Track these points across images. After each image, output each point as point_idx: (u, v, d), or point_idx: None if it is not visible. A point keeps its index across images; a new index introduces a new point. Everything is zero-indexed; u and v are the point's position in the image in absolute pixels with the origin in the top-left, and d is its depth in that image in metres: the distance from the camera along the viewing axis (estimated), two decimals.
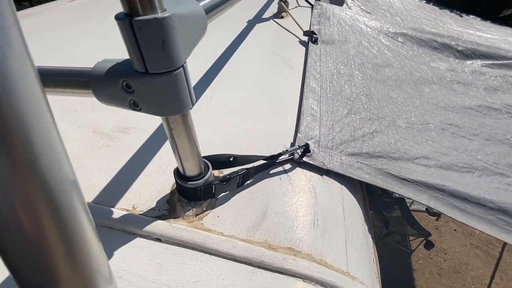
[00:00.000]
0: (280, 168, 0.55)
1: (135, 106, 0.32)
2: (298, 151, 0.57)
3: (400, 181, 0.63)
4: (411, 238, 3.52)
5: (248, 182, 0.50)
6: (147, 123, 0.63)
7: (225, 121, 0.66)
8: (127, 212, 0.43)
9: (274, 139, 0.62)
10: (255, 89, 0.79)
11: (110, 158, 0.53)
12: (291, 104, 0.75)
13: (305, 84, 0.80)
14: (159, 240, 0.40)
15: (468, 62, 1.62)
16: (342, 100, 0.83)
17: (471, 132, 0.96)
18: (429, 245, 3.54)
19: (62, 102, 0.68)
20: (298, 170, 0.55)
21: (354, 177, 0.57)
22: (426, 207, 3.99)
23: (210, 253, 0.40)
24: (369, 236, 0.57)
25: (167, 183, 0.49)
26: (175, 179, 0.43)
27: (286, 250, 0.41)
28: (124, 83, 0.31)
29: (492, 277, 3.26)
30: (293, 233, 0.44)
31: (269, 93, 0.78)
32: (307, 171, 0.55)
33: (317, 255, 0.42)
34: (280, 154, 0.52)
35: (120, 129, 0.61)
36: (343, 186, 0.56)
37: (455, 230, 3.83)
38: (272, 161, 0.52)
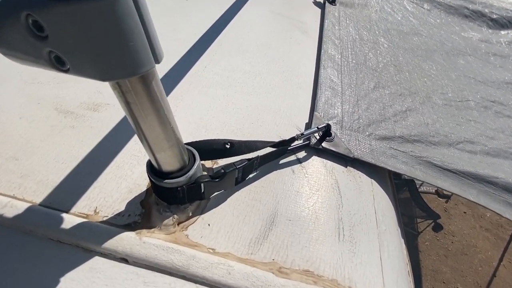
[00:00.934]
0: (292, 157, 0.42)
1: (59, 64, 0.19)
2: (316, 134, 0.43)
3: (443, 172, 0.49)
4: (419, 220, 3.45)
5: (250, 177, 0.38)
6: None
7: (222, 96, 0.52)
8: (84, 220, 0.31)
9: (285, 119, 0.49)
10: (260, 57, 0.65)
11: (72, 144, 0.41)
12: (306, 75, 0.61)
13: (322, 51, 0.65)
14: (124, 260, 0.29)
15: (503, 32, 1.42)
16: (367, 71, 0.68)
17: None
18: (437, 228, 3.47)
19: (22, 72, 0.55)
20: (315, 159, 0.42)
21: (389, 168, 0.44)
22: (436, 188, 3.89)
23: (196, 281, 0.28)
24: (403, 242, 0.45)
25: (143, 178, 0.37)
26: (148, 176, 0.31)
27: (302, 276, 0.29)
28: (30, 20, 0.18)
29: (501, 259, 3.21)
30: (312, 248, 0.32)
31: (277, 62, 0.64)
32: (328, 161, 0.43)
33: (344, 280, 0.30)
34: (293, 139, 0.39)
35: (90, 106, 0.48)
36: (373, 180, 0.44)
37: (464, 212, 3.74)
38: (282, 148, 0.39)
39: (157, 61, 0.21)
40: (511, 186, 0.53)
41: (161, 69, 0.58)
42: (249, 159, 0.35)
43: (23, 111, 0.46)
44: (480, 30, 1.36)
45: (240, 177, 0.35)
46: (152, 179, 0.30)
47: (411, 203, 3.37)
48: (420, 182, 4.00)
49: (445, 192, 3.81)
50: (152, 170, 0.30)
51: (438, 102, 0.70)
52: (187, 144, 0.35)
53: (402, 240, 0.45)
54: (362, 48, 0.77)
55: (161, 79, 0.54)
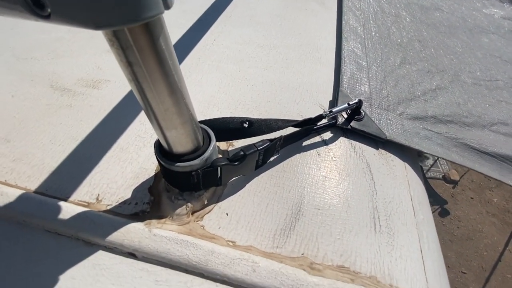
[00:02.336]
0: (317, 138, 0.37)
1: (37, 8, 0.14)
2: (343, 113, 0.38)
3: (481, 156, 0.44)
4: None
5: (271, 160, 0.33)
6: None
7: (235, 72, 0.47)
8: (85, 209, 0.27)
9: (306, 97, 0.44)
10: (274, 29, 0.58)
11: (70, 124, 0.37)
12: (326, 49, 0.55)
13: (343, 22, 0.59)
14: (132, 255, 0.25)
15: None
16: (391, 46, 0.61)
17: None
18: (444, 213, 3.46)
19: (16, 48, 0.50)
20: (343, 141, 0.38)
21: (425, 150, 0.39)
22: (443, 174, 3.84)
23: (215, 280, 0.24)
24: (436, 234, 0.41)
25: (150, 161, 0.33)
26: (157, 159, 0.26)
27: (337, 272, 0.25)
28: None
29: (506, 244, 3.20)
30: (345, 241, 0.28)
31: (293, 35, 0.57)
32: (357, 142, 0.38)
33: (384, 277, 0.26)
34: (319, 118, 0.34)
35: (89, 83, 0.43)
36: (406, 164, 0.39)
37: (471, 198, 3.70)
38: (307, 128, 0.34)
39: (167, 6, 0.16)
40: None
41: None
42: (271, 140, 0.30)
43: (15, 89, 0.42)
44: (502, 6, 1.27)
45: (261, 160, 0.30)
46: (162, 162, 0.25)
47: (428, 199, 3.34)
48: (427, 168, 3.95)
49: (452, 178, 3.76)
50: (162, 151, 0.26)
51: (467, 81, 0.64)
52: (201, 122, 0.30)
53: (435, 231, 0.41)
54: (384, 21, 0.70)
55: None
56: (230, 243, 0.26)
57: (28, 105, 0.39)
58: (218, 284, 0.24)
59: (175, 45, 0.52)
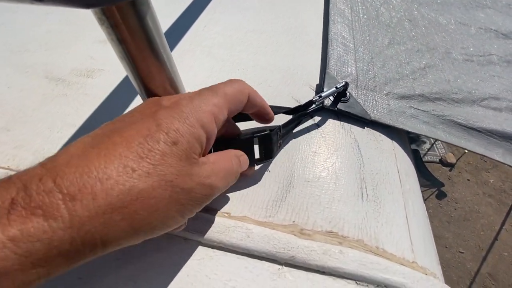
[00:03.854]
0: (307, 118, 0.39)
1: None
2: (331, 97, 0.40)
3: (467, 131, 0.46)
4: (423, 188, 3.48)
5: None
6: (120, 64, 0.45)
7: (226, 56, 0.48)
8: None
9: (296, 78, 0.45)
10: (265, 14, 0.59)
11: (67, 112, 0.38)
12: (314, 32, 0.55)
13: (330, 5, 0.59)
14: None
15: None
16: (380, 27, 0.62)
17: None
18: (441, 196, 3.52)
19: (8, 42, 0.51)
20: (331, 121, 0.39)
21: (408, 129, 0.41)
22: (440, 158, 3.88)
23: (212, 246, 0.26)
24: (423, 204, 0.43)
25: None
26: None
27: (326, 236, 0.27)
28: None
29: (503, 223, 3.27)
30: (334, 209, 0.30)
31: (283, 19, 0.58)
32: (345, 123, 0.39)
33: (371, 240, 0.28)
34: (309, 103, 0.35)
35: (82, 72, 0.44)
36: (393, 141, 0.41)
37: (468, 180, 3.76)
38: (299, 114, 0.35)
39: None
40: None
41: None
42: (270, 129, 0.30)
43: (11, 81, 0.42)
44: None
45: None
46: None
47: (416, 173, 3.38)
48: (424, 152, 3.99)
49: (449, 161, 3.81)
50: None
51: (459, 58, 0.65)
52: None
53: (423, 203, 0.43)
54: (373, 2, 0.70)
55: None
56: (226, 214, 0.28)
57: (24, 96, 0.40)
58: (215, 250, 0.26)
59: (166, 32, 0.53)
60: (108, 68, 0.45)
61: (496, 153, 0.46)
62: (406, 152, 0.43)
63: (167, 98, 0.21)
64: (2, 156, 0.32)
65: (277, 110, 0.34)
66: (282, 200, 0.30)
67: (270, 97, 0.42)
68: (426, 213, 0.42)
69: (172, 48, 0.49)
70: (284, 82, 0.44)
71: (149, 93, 0.23)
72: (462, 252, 3.16)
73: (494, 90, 0.57)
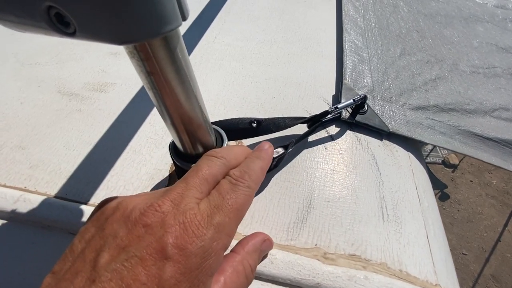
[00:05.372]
0: (323, 133, 0.38)
1: (62, 25, 0.15)
2: (349, 109, 0.39)
3: (483, 141, 0.46)
4: None
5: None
6: (132, 77, 0.45)
7: (238, 69, 0.48)
8: None
9: (310, 91, 0.44)
10: (274, 24, 0.59)
11: (82, 128, 0.37)
12: (326, 41, 0.55)
13: (343, 13, 0.59)
14: None
15: None
16: (391, 37, 0.61)
17: None
18: (444, 197, 3.51)
19: (19, 53, 0.50)
20: (348, 134, 0.39)
21: (426, 140, 0.40)
22: (442, 159, 3.87)
23: None
24: (441, 220, 0.43)
25: (163, 162, 0.34)
26: (173, 160, 0.27)
27: (349, 260, 0.27)
28: None
29: (506, 225, 3.26)
30: (356, 231, 0.29)
31: (294, 28, 0.58)
32: (362, 135, 0.39)
33: (394, 263, 0.28)
34: (325, 113, 0.35)
35: (95, 87, 0.44)
36: (410, 154, 0.40)
37: (471, 181, 3.75)
38: (315, 125, 0.35)
39: (184, 17, 0.17)
40: None
41: None
42: (284, 146, 0.31)
43: (24, 96, 0.42)
44: None
45: (273, 164, 0.31)
46: (178, 164, 0.26)
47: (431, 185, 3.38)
48: (427, 153, 3.97)
49: (451, 162, 3.79)
50: (176, 153, 0.27)
51: (466, 70, 0.65)
52: (213, 123, 0.31)
53: (440, 217, 0.43)
54: (383, 11, 0.70)
55: None
56: None
57: (38, 112, 0.40)
58: None
59: None
60: (121, 82, 0.44)
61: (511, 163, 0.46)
62: (422, 165, 0.42)
63: (171, 235, 0.17)
64: (18, 176, 0.32)
65: (293, 121, 0.34)
66: (303, 221, 0.29)
67: (285, 111, 0.41)
68: (443, 230, 0.41)
69: None
70: (298, 96, 0.43)
71: (173, 122, 0.23)
72: (466, 254, 3.15)
73: (503, 101, 0.57)
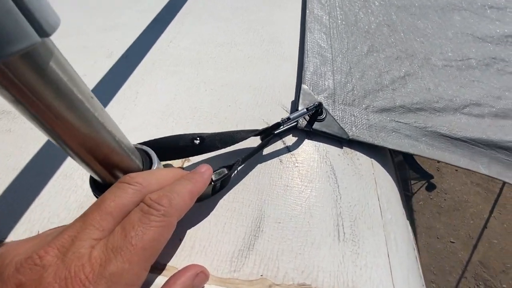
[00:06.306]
0: (279, 144, 0.35)
1: None
2: (306, 116, 0.36)
3: (451, 142, 0.44)
4: (413, 181, 3.52)
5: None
6: None
7: (192, 76, 0.44)
8: None
9: (268, 97, 0.41)
10: (236, 25, 0.55)
11: (10, 152, 0.33)
12: (290, 42, 0.52)
13: (307, 12, 0.56)
14: None
15: None
16: (359, 33, 0.59)
17: None
18: (430, 187, 3.56)
19: None
20: (306, 144, 0.36)
21: (390, 147, 0.38)
22: None
23: None
24: (408, 224, 0.41)
25: None
26: (95, 195, 0.24)
27: None
28: None
29: (491, 211, 3.34)
30: (307, 255, 0.27)
31: (256, 29, 0.54)
32: (321, 143, 0.36)
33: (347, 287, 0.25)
34: (277, 125, 0.32)
35: None
36: (373, 160, 0.38)
37: (456, 170, 3.82)
38: (267, 139, 0.32)
39: (45, 33, 0.13)
40: None
41: (117, 49, 0.48)
42: (228, 167, 0.28)
43: None
44: None
45: (219, 184, 0.28)
46: (97, 196, 0.23)
47: (405, 167, 3.42)
48: None
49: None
50: (96, 184, 0.23)
51: (438, 64, 0.63)
52: (143, 143, 0.27)
53: (408, 223, 0.41)
54: (351, 7, 0.68)
55: (118, 61, 0.45)
56: None
57: None
58: None
59: (128, 51, 0.48)
60: None
61: (482, 163, 0.44)
62: (387, 171, 0.40)
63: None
64: None
65: (244, 135, 0.31)
66: (249, 249, 0.26)
67: (240, 120, 0.38)
68: (411, 237, 0.39)
69: (133, 69, 0.44)
70: (256, 103, 0.40)
71: (75, 152, 0.19)
72: (453, 242, 3.21)
73: (475, 96, 0.55)
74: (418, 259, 0.39)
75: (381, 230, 0.31)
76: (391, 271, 0.28)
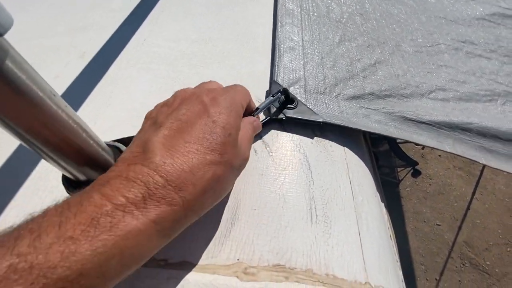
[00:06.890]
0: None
1: None
2: (277, 103, 0.38)
3: (418, 125, 0.46)
4: (399, 169, 3.62)
5: None
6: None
7: (167, 73, 0.44)
8: None
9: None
10: (211, 21, 0.56)
11: None
12: (263, 37, 0.53)
13: (279, 6, 0.57)
14: None
15: None
16: (331, 24, 0.61)
17: (487, 49, 0.78)
18: (416, 174, 3.68)
19: None
20: (280, 134, 0.37)
21: (360, 128, 0.40)
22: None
23: None
24: (383, 206, 0.43)
25: None
26: (67, 192, 0.24)
27: (271, 272, 0.26)
28: None
29: (473, 193, 3.49)
30: (281, 238, 0.28)
31: (231, 25, 0.55)
32: (294, 135, 0.38)
33: (320, 267, 0.27)
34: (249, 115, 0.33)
35: None
36: (345, 148, 0.39)
37: (439, 155, 3.96)
38: None
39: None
40: (485, 131, 0.51)
41: (90, 49, 0.48)
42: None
43: None
44: None
45: None
46: (70, 193, 0.23)
47: (391, 154, 3.51)
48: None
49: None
50: (69, 181, 0.24)
51: (408, 50, 0.65)
52: (115, 140, 0.28)
53: (382, 205, 0.43)
54: None
55: (91, 61, 0.45)
56: (161, 263, 0.25)
57: None
58: None
59: (101, 50, 0.48)
60: None
61: (447, 144, 0.47)
62: (361, 157, 0.42)
63: (204, 92, 0.26)
64: None
65: None
66: (226, 236, 0.28)
67: None
68: (386, 217, 0.42)
69: (106, 69, 0.44)
70: None
71: (44, 151, 0.20)
72: (439, 225, 3.34)
73: (441, 81, 0.58)
74: (393, 237, 0.41)
75: (352, 211, 0.32)
76: (361, 248, 0.30)
